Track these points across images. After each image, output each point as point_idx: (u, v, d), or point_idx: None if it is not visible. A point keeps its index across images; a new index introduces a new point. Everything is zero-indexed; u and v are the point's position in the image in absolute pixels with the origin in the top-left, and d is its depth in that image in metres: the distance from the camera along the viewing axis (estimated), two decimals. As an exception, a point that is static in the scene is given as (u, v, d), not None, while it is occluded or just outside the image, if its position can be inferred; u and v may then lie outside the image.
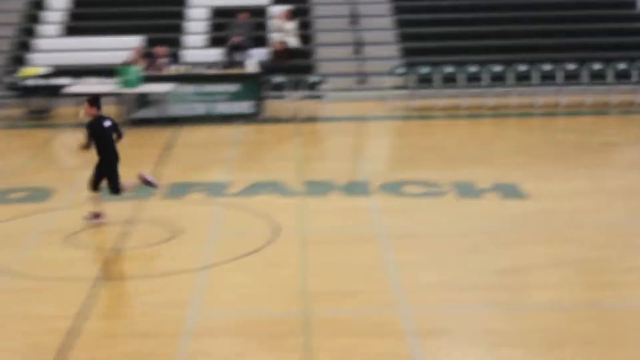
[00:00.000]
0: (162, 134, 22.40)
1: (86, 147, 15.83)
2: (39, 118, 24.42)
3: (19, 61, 26.66)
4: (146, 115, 23.59)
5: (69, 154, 22.45)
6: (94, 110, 15.81)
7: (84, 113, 16.28)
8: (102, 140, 15.65)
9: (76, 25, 28.28)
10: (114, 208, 16.66)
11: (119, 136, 16.00)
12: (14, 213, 16.72)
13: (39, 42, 27.69)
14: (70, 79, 24.96)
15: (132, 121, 23.50)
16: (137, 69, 23.51)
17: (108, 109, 23.95)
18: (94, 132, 15.64)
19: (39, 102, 24.68)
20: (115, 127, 15.95)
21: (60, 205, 17.19)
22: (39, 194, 17.76)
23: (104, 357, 10.88)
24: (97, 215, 15.90)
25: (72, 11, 28.96)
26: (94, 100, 15.88)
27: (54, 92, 24.51)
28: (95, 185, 15.82)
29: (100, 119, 15.78)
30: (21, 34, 28.17)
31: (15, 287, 13.34)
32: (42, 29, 28.26)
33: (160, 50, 25.24)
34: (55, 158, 22.19)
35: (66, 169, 21.04)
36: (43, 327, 11.83)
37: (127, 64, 23.63)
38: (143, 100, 23.66)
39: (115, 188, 15.81)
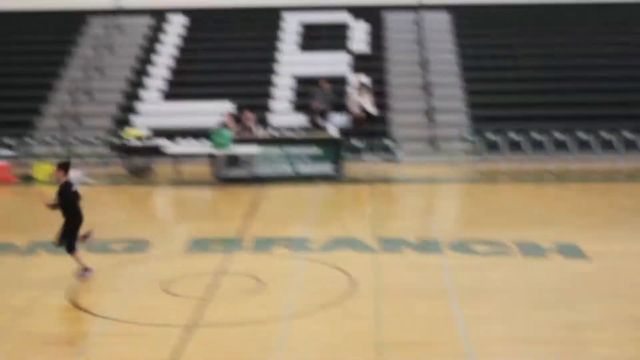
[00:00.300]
0: (249, 192, 22.41)
1: (53, 208, 15.82)
2: (139, 176, 24.58)
3: (123, 123, 26.93)
4: (235, 174, 23.66)
5: (166, 209, 22.57)
6: (61, 175, 15.83)
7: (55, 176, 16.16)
8: (70, 203, 15.66)
9: (174, 92, 28.56)
10: (205, 260, 16.67)
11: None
12: (114, 262, 16.81)
13: (141, 106, 27.97)
14: (167, 140, 25.14)
15: (222, 180, 23.55)
16: (228, 132, 23.62)
17: (200, 168, 24.22)
18: (63, 196, 15.67)
19: (138, 161, 24.86)
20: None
21: (157, 255, 17.20)
22: (137, 245, 17.80)
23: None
24: (86, 270, 15.67)
25: (171, 79, 29.29)
26: (64, 165, 15.87)
27: (153, 152, 24.72)
28: (70, 247, 15.66)
29: (68, 184, 15.79)
30: (125, 98, 28.48)
31: (112, 331, 13.35)
32: (144, 94, 28.57)
33: (248, 115, 25.35)
34: (153, 212, 22.28)
35: (163, 222, 21.13)
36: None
37: (219, 128, 23.75)
38: (232, 161, 23.74)
39: (71, 247, 15.63)
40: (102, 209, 21.70)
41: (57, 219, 20.22)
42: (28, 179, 24.43)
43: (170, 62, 30.04)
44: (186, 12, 31.91)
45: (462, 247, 17.53)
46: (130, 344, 12.74)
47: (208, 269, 16.08)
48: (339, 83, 28.75)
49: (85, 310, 14.15)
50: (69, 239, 15.66)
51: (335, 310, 13.86)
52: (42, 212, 21.34)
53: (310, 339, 12.77)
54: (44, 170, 24.35)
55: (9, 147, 25.84)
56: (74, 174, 23.82)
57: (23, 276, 16.10)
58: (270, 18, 31.52)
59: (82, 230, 15.26)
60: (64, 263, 16.69)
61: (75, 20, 31.66)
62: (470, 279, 15.49)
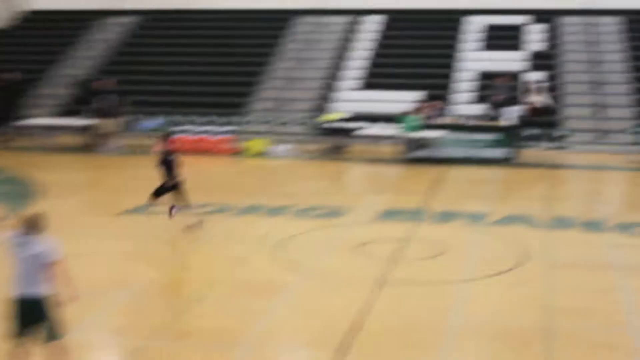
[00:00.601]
0: (433, 171, 22.43)
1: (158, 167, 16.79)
2: (336, 153, 24.94)
3: (322, 108, 27.37)
4: (421, 155, 23.70)
5: (359, 182, 22.85)
6: (163, 146, 16.85)
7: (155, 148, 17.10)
8: (167, 166, 16.62)
9: (368, 82, 28.79)
10: (393, 227, 16.84)
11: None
12: (314, 226, 17.16)
13: (339, 94, 28.35)
14: (362, 123, 25.42)
15: (410, 159, 23.65)
16: (416, 118, 23.71)
17: (391, 148, 24.38)
18: (163, 162, 16.65)
19: (336, 140, 25.20)
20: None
21: (351, 221, 17.49)
22: (334, 212, 18.13)
23: (381, 346, 10.97)
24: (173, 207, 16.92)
25: (365, 70, 29.51)
26: (165, 136, 17.09)
27: (348, 133, 25.03)
28: (157, 193, 17.00)
29: (167, 152, 16.69)
30: (325, 86, 28.91)
31: (312, 283, 13.69)
32: (342, 83, 28.94)
33: (435, 104, 25.39)
34: (347, 185, 22.62)
35: (355, 193, 21.40)
36: (332, 316, 12.07)
37: (408, 114, 23.86)
38: (419, 143, 23.80)
39: (157, 194, 17.02)
40: (303, 180, 22.22)
41: (268, 186, 20.78)
42: (243, 152, 25.11)
43: (365, 56, 30.28)
44: (381, 12, 32.08)
45: (625, 228, 17.10)
46: (327, 295, 13.06)
47: (395, 235, 16.25)
48: (516, 78, 28.37)
49: (290, 264, 14.54)
50: (161, 190, 16.84)
51: (507, 277, 13.82)
52: (255, 180, 22.02)
53: (484, 301, 12.79)
54: (256, 145, 25.05)
55: (229, 124, 26.61)
56: (280, 148, 24.54)
57: (238, 232, 16.68)
58: (457, 19, 31.36)
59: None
60: (273, 223, 17.23)
61: (285, 18, 32.27)
62: (633, 256, 15.15)
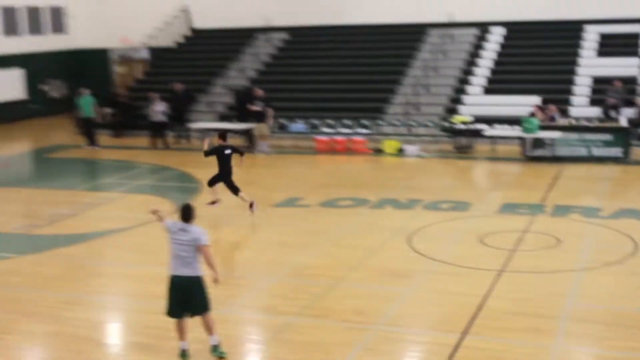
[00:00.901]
0: (550, 169, 21.91)
1: (206, 155, 17.59)
2: (462, 152, 24.67)
3: (451, 111, 27.11)
4: (540, 154, 23.18)
5: (483, 178, 22.54)
6: (220, 141, 17.61)
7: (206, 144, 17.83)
8: (219, 159, 17.37)
9: (493, 87, 28.33)
10: (513, 220, 16.58)
11: (241, 154, 17.74)
12: (441, 218, 17.07)
13: (465, 98, 28.02)
14: (486, 125, 25.12)
15: (529, 158, 23.18)
16: (536, 120, 23.21)
17: (512, 148, 23.95)
18: (215, 153, 17.46)
19: (462, 141, 24.94)
20: (234, 151, 17.69)
21: (476, 214, 17.29)
22: (460, 206, 17.96)
23: (502, 328, 10.86)
24: (214, 202, 17.55)
25: (490, 77, 29.06)
26: (223, 135, 17.71)
27: (473, 134, 24.76)
28: (210, 183, 17.71)
29: (222, 146, 17.45)
30: (453, 92, 28.64)
31: (439, 270, 13.68)
32: (468, 88, 28.60)
33: (552, 107, 24.76)
34: (472, 181, 22.36)
35: (479, 189, 21.16)
36: (457, 301, 12.03)
37: (529, 116, 23.39)
38: (538, 143, 23.28)
39: (210, 183, 17.70)
40: (433, 176, 22.08)
41: (401, 182, 20.75)
42: (378, 152, 25.13)
43: (490, 64, 29.81)
44: (505, 24, 31.51)
45: None
46: (453, 282, 12.99)
47: (515, 227, 16.01)
48: (630, 83, 27.38)
49: (420, 253, 14.50)
50: (215, 179, 17.63)
51: (620, 268, 13.45)
52: (390, 177, 22.02)
53: (598, 288, 12.50)
54: (390, 145, 25.04)
55: (365, 126, 26.69)
56: (412, 148, 24.45)
57: (374, 224, 16.74)
58: (574, 29, 30.49)
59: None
60: (405, 216, 17.19)
61: (418, 31, 32.10)
62: None
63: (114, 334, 11.75)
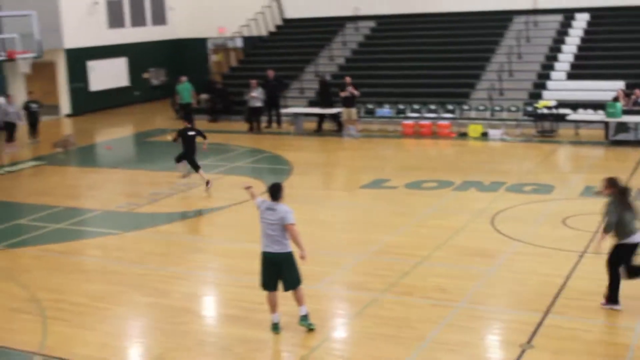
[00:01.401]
0: (635, 153, 21.26)
1: (174, 141, 19.21)
2: (546, 136, 24.16)
3: (535, 96, 26.56)
4: (624, 138, 22.53)
5: (567, 162, 22.04)
6: (185, 123, 19.48)
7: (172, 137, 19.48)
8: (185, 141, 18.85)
9: (577, 73, 27.61)
10: (596, 203, 16.11)
11: (204, 137, 19.23)
12: (525, 200, 16.78)
13: (550, 84, 27.39)
14: (569, 109, 24.58)
15: (612, 142, 22.56)
16: (618, 105, 22.57)
17: (596, 132, 23.36)
18: (180, 135, 19.01)
19: (545, 125, 24.42)
20: (198, 133, 19.21)
21: (559, 197, 16.94)
22: (544, 189, 17.62)
23: (584, 308, 10.66)
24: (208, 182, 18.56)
25: (574, 62, 28.33)
26: (188, 118, 20.59)
27: (558, 118, 24.25)
28: (177, 161, 19.31)
29: (186, 129, 19.04)
30: (537, 77, 28.03)
31: (522, 251, 13.49)
32: (552, 74, 27.96)
33: (637, 92, 24.00)
34: (555, 164, 21.85)
35: (562, 172, 20.66)
36: (540, 281, 11.87)
37: (611, 101, 22.76)
38: (621, 127, 22.65)
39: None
40: (516, 159, 21.69)
41: (485, 165, 20.48)
42: (463, 135, 24.84)
43: (574, 50, 29.05)
44: (589, 10, 30.65)
45: None
46: (536, 262, 12.79)
47: (598, 210, 15.51)
48: None
49: (503, 234, 14.31)
50: (180, 157, 19.15)
51: None
52: (474, 160, 21.74)
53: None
54: (475, 129, 24.73)
55: (450, 111, 26.42)
56: (496, 132, 24.08)
57: (458, 205, 16.57)
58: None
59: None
60: (488, 198, 16.96)
61: (503, 18, 31.52)
62: None
63: (209, 306, 11.98)
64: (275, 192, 10.14)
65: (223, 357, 9.83)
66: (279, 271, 10.07)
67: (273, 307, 10.28)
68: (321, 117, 26.88)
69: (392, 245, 14.04)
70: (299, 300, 10.24)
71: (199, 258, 14.03)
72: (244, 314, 11.06)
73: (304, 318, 10.26)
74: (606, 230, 10.57)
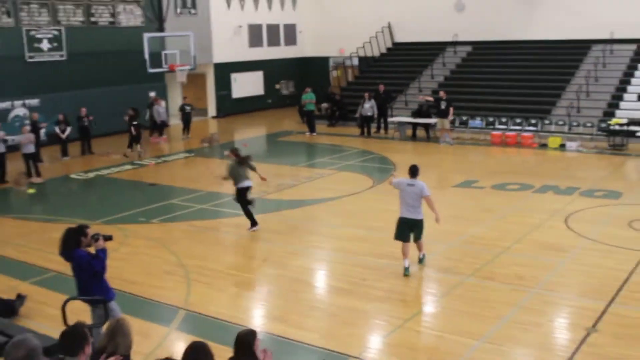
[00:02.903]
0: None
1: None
2: (617, 149, 23.16)
3: (609, 114, 25.49)
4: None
5: (634, 172, 21.05)
6: (131, 112, 22.13)
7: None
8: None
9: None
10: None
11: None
12: (596, 204, 16.15)
13: (622, 104, 26.23)
14: (639, 127, 23.52)
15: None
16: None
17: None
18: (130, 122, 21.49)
19: (618, 139, 23.43)
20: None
21: (626, 202, 16.22)
22: (613, 195, 16.91)
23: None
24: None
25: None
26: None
27: (629, 134, 23.27)
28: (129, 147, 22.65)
29: (131, 118, 21.53)
30: (612, 98, 26.89)
31: (591, 247, 13.01)
32: (625, 95, 26.76)
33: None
34: (625, 174, 20.88)
35: (631, 181, 19.72)
36: (606, 274, 11.47)
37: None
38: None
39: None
40: (590, 168, 20.89)
41: (561, 172, 19.82)
42: (543, 146, 24.12)
43: (646, 74, 27.77)
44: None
45: None
46: (602, 257, 12.35)
47: (662, 215, 14.87)
48: None
49: (575, 232, 13.85)
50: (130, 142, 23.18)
51: None
52: (552, 167, 21.05)
53: None
54: (554, 141, 23.99)
55: (534, 124, 25.70)
56: (573, 144, 23.25)
57: (536, 205, 16.12)
58: None
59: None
60: (563, 200, 16.40)
61: (583, 46, 30.30)
62: None
63: (321, 279, 12.08)
64: (414, 171, 11.58)
65: (329, 322, 9.91)
66: (412, 230, 11.50)
67: (405, 254, 11.54)
68: (421, 126, 26.65)
69: (477, 236, 13.79)
70: (420, 249, 11.86)
71: (314, 239, 14.16)
72: (350, 287, 11.11)
73: (421, 259, 11.97)
74: None
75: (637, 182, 19.74)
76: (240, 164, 14.43)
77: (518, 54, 31.40)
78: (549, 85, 28.49)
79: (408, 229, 11.43)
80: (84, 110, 24.69)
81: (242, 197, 14.53)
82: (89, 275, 8.29)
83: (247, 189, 14.52)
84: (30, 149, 20.44)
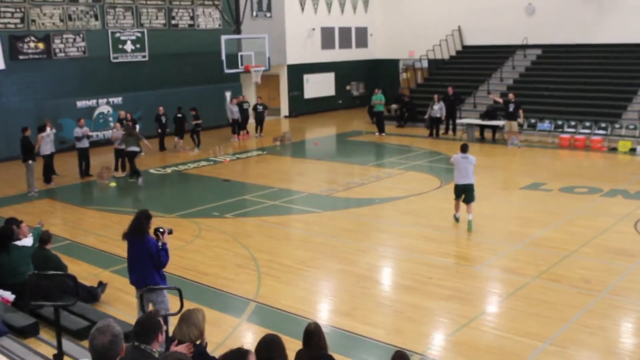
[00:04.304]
0: None
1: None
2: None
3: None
4: None
5: None
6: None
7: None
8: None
9: None
10: None
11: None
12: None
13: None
14: None
15: None
16: None
17: None
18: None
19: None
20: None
21: (699, 209, 15.53)
22: (685, 200, 16.20)
23: None
24: None
25: None
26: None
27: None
28: None
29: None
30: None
31: None
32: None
33: None
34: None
35: None
36: None
37: None
38: None
39: None
40: None
41: (630, 176, 19.11)
42: (613, 150, 23.37)
43: None
44: None
45: None
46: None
47: None
48: None
49: (645, 237, 13.35)
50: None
51: None
52: (621, 171, 20.34)
53: None
54: (624, 145, 23.21)
55: (604, 128, 24.89)
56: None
57: (605, 209, 15.61)
58: None
59: None
60: (633, 205, 15.84)
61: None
62: None
63: (387, 276, 12.02)
64: (465, 148, 14.10)
65: (395, 318, 9.85)
66: (465, 193, 14.06)
67: (457, 208, 14.33)
68: (488, 128, 26.20)
69: (544, 238, 13.46)
70: (469, 211, 13.93)
71: (381, 236, 14.10)
72: (416, 285, 11.01)
73: (469, 223, 13.85)
74: None
75: None
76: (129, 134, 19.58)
77: (588, 57, 30.46)
78: (620, 89, 27.53)
79: (462, 192, 14.09)
80: (161, 109, 25.29)
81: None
82: (152, 263, 8.46)
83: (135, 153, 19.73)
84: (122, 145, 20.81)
